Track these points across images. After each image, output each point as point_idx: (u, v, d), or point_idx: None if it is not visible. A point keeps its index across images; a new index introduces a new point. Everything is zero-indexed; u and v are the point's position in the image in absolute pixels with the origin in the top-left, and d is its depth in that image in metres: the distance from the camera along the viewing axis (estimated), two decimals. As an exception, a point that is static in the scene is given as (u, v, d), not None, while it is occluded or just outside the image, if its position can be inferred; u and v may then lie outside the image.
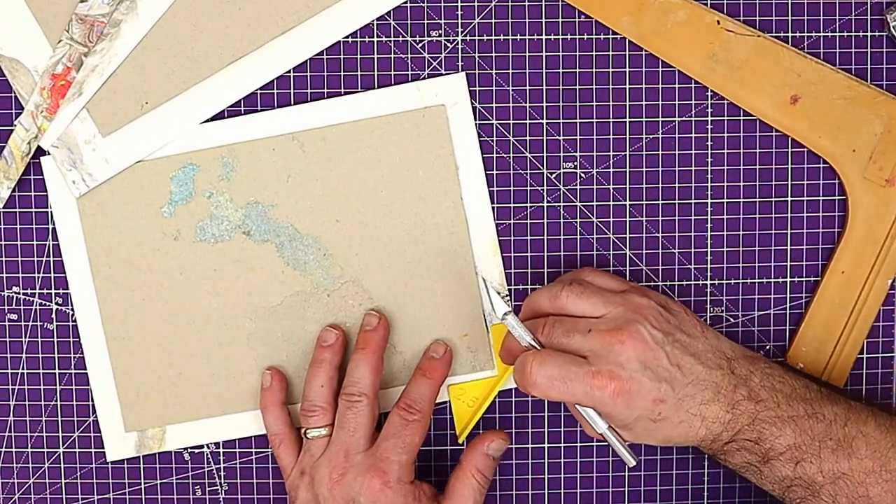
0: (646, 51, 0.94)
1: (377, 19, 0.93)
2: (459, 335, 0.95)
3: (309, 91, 0.94)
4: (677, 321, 0.87)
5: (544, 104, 0.94)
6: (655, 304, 0.87)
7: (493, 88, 0.94)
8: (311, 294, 0.95)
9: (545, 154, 0.95)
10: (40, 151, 0.94)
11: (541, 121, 0.94)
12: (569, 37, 0.94)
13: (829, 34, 0.95)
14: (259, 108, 0.93)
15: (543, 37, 0.94)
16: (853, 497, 0.84)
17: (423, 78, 0.94)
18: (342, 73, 0.94)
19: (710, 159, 0.95)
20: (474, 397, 0.95)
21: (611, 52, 0.94)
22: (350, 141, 0.93)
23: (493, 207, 0.94)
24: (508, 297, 0.95)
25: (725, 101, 0.94)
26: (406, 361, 0.95)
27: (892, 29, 0.93)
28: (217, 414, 0.96)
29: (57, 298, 0.95)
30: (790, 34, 0.94)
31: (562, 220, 0.95)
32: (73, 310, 0.94)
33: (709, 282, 0.96)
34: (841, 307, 0.95)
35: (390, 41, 0.94)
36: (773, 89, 0.94)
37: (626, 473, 0.97)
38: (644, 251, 0.95)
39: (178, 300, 0.94)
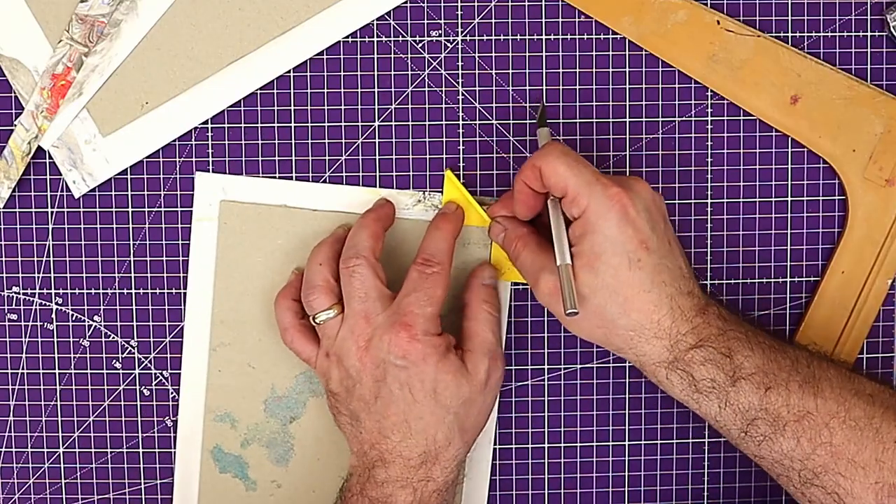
0: (646, 51, 0.94)
1: (377, 19, 0.93)
2: None
3: (309, 91, 0.94)
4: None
5: (544, 104, 0.94)
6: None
7: (493, 88, 0.94)
8: None
9: (545, 154, 0.95)
10: (41, 151, 0.94)
11: (541, 121, 0.95)
12: (569, 37, 0.94)
13: (829, 34, 0.95)
14: (259, 107, 0.94)
15: (543, 37, 0.94)
16: (816, 441, 0.82)
17: (425, 78, 0.94)
18: (342, 73, 0.94)
19: (710, 159, 0.95)
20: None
21: (611, 52, 0.94)
22: None
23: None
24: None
25: (725, 101, 0.94)
26: None
27: (892, 29, 0.93)
28: None
29: (57, 298, 0.95)
30: (790, 34, 0.94)
31: (562, 220, 0.95)
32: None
33: (709, 282, 0.96)
34: (841, 307, 0.95)
35: (390, 41, 0.94)
36: (773, 89, 0.94)
37: (627, 473, 0.97)
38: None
39: None
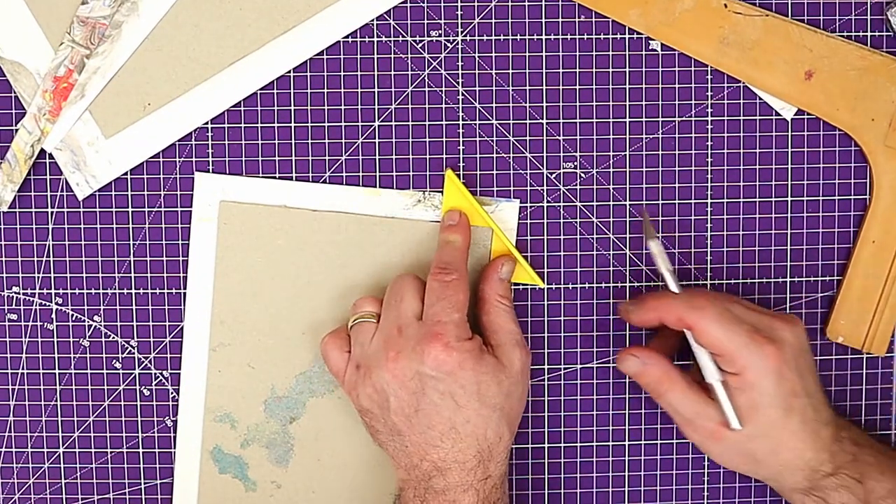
0: (646, 51, 0.94)
1: (377, 19, 0.94)
2: None
3: (309, 91, 0.94)
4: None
5: (544, 104, 0.94)
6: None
7: (493, 88, 0.94)
8: None
9: (545, 154, 0.95)
10: (41, 152, 0.94)
11: (541, 121, 0.94)
12: (569, 37, 0.94)
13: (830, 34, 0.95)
14: (259, 107, 0.94)
15: (543, 37, 0.94)
16: None
17: (425, 78, 0.94)
18: (342, 73, 0.94)
19: (710, 159, 0.95)
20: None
21: (610, 52, 0.94)
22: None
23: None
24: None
25: (725, 102, 0.94)
26: None
27: (893, 26, 0.93)
28: None
29: (57, 298, 0.95)
30: (790, 34, 0.95)
31: (562, 220, 0.95)
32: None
33: (709, 282, 0.96)
34: (875, 277, 0.95)
35: (390, 41, 0.94)
36: (787, 67, 0.94)
37: (627, 473, 0.97)
38: (644, 251, 0.95)
39: None
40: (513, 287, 0.95)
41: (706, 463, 0.97)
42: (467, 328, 0.88)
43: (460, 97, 0.94)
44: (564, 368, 0.96)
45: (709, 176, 0.95)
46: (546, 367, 0.96)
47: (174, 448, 0.96)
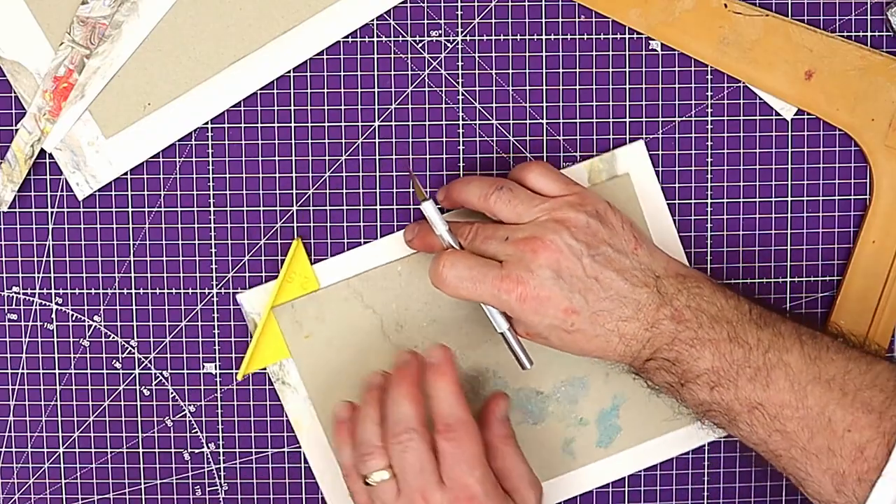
0: (646, 51, 0.94)
1: (377, 19, 0.94)
2: None
3: (309, 91, 0.94)
4: (608, 234, 0.86)
5: (544, 104, 0.95)
6: (586, 215, 0.86)
7: (493, 88, 0.94)
8: None
9: (545, 154, 0.95)
10: (41, 152, 0.94)
11: (541, 121, 0.94)
12: (569, 37, 0.94)
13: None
14: (259, 107, 0.94)
15: (543, 37, 0.94)
16: (770, 429, 0.83)
17: (425, 78, 0.94)
18: (342, 73, 0.94)
19: (710, 159, 0.95)
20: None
21: (611, 52, 0.94)
22: None
23: (493, 208, 0.95)
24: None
25: (725, 102, 0.94)
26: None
27: (892, 25, 0.93)
28: None
29: (57, 298, 0.95)
30: (790, 34, 0.95)
31: (562, 220, 0.95)
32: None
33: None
34: (875, 276, 0.95)
35: (390, 41, 0.94)
36: (787, 66, 0.94)
37: (626, 473, 0.97)
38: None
39: None
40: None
41: (706, 463, 0.97)
42: (493, 477, 0.85)
43: (460, 97, 0.94)
44: (564, 368, 0.96)
45: (709, 176, 0.95)
46: (546, 367, 0.96)
47: (173, 448, 0.96)
